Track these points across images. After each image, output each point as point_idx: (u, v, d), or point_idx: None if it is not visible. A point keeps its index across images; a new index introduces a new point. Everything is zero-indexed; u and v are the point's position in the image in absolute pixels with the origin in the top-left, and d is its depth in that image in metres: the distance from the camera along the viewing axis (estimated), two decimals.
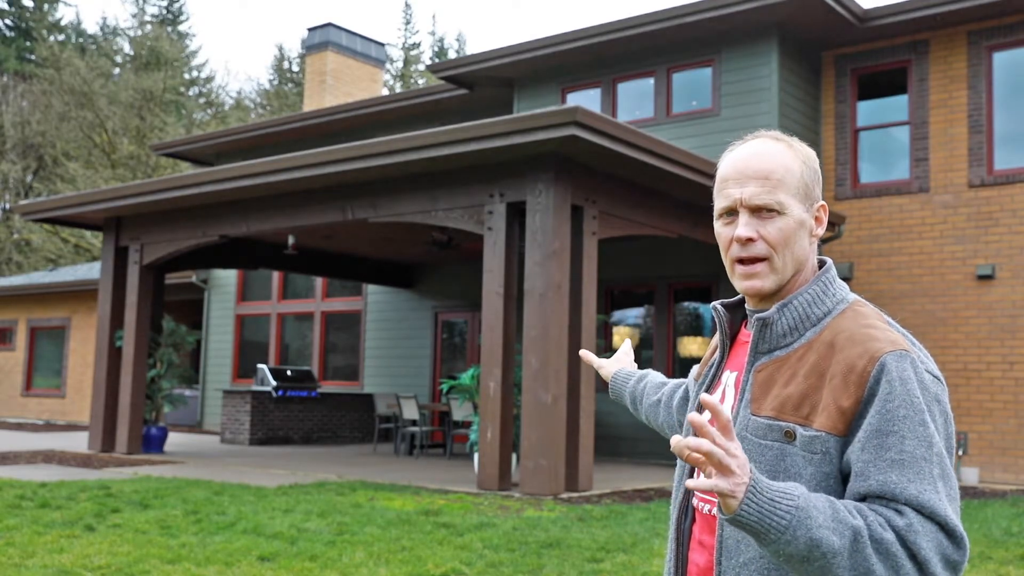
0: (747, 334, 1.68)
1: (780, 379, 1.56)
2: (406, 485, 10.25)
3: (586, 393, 10.05)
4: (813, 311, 1.59)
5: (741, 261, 1.61)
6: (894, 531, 1.38)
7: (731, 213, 1.63)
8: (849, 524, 1.37)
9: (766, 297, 1.63)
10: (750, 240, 1.59)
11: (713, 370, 1.74)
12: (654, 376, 2.27)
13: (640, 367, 2.40)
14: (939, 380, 1.51)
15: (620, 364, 2.37)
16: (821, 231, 1.65)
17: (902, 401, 1.44)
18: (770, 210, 1.59)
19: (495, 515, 8.22)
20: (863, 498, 1.44)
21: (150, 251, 13.84)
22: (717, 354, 1.75)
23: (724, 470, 1.33)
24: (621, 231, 10.97)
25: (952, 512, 1.42)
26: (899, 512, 1.40)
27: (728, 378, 1.69)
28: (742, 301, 1.73)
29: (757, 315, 1.61)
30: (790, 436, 1.51)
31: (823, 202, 1.66)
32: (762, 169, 1.60)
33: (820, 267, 1.67)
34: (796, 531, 1.34)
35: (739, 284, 1.63)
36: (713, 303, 1.74)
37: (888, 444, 1.43)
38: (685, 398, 2.04)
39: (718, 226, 1.66)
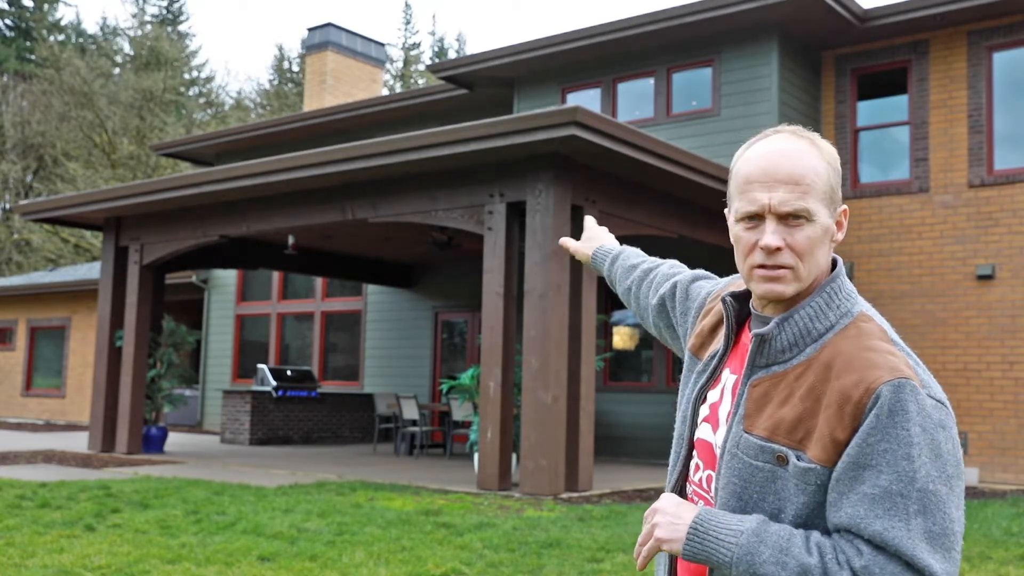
0: (748, 335, 1.62)
1: (776, 397, 1.51)
2: (406, 485, 10.25)
3: (586, 393, 10.04)
4: (815, 326, 1.52)
5: (763, 266, 1.52)
6: (851, 571, 1.37)
7: (754, 218, 1.53)
8: (800, 561, 1.38)
9: (780, 302, 1.56)
10: (778, 249, 1.50)
11: (715, 362, 1.67)
12: (626, 257, 2.18)
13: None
14: (943, 405, 1.45)
15: (597, 242, 2.28)
16: (841, 236, 1.58)
17: (884, 434, 1.39)
18: (798, 217, 1.50)
19: (495, 515, 8.22)
20: (835, 530, 1.42)
21: (150, 251, 13.84)
22: (721, 345, 1.67)
23: (650, 535, 1.53)
24: (621, 231, 10.95)
25: (926, 550, 1.36)
26: (860, 552, 1.37)
27: (728, 379, 1.64)
28: (748, 294, 1.65)
29: (755, 331, 1.54)
30: (782, 460, 1.47)
31: (845, 206, 1.58)
32: (792, 173, 1.51)
33: (832, 267, 1.59)
34: (739, 566, 1.42)
35: (758, 288, 1.54)
36: (723, 295, 1.67)
37: (863, 478, 1.39)
38: (662, 303, 1.97)
39: (738, 229, 1.56)
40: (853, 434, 1.42)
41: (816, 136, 1.58)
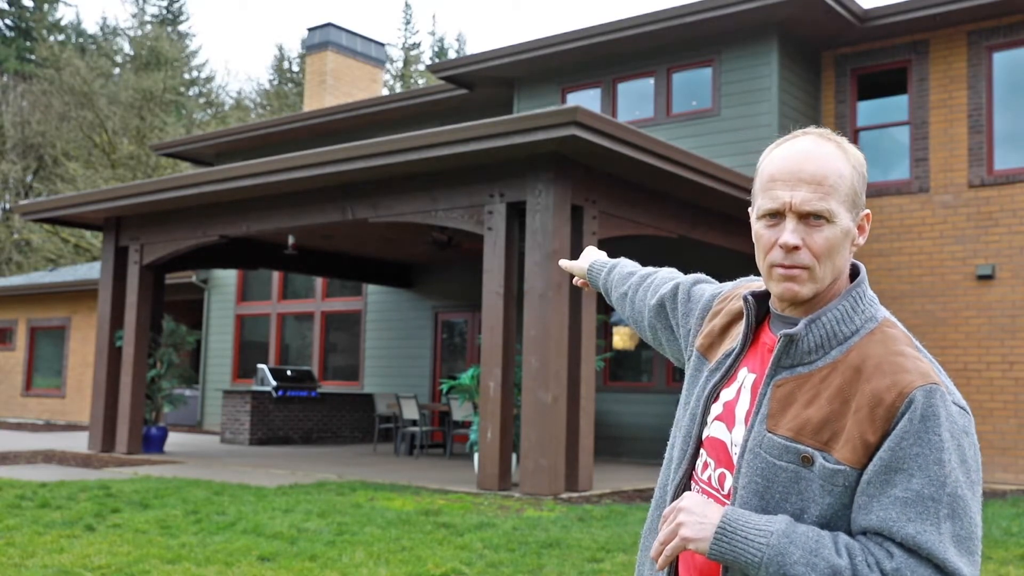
0: (769, 335, 1.63)
1: (801, 398, 1.51)
2: (406, 485, 10.25)
3: (586, 393, 10.05)
4: (841, 329, 1.53)
5: (781, 265, 1.54)
6: (881, 573, 1.37)
7: (775, 215, 1.55)
8: (830, 563, 1.38)
9: (798, 303, 1.57)
10: (796, 248, 1.52)
11: (730, 361, 1.67)
12: (623, 266, 2.22)
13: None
14: (965, 411, 1.47)
15: (592, 257, 2.34)
16: (862, 241, 1.58)
17: (917, 438, 1.40)
18: (819, 217, 1.52)
19: (495, 515, 8.22)
20: (863, 532, 1.42)
21: (150, 251, 13.84)
22: (737, 344, 1.67)
23: (675, 534, 1.49)
24: (621, 231, 10.97)
25: (955, 553, 1.38)
26: (890, 555, 1.38)
27: (746, 378, 1.63)
28: (767, 294, 1.66)
29: (784, 332, 1.54)
30: (807, 461, 1.48)
31: (868, 211, 1.60)
32: (816, 173, 1.52)
33: (853, 274, 1.60)
34: (769, 567, 1.40)
35: (776, 287, 1.56)
36: (744, 293, 1.67)
37: (894, 481, 1.40)
38: (662, 304, 1.96)
39: (759, 226, 1.58)
40: (883, 437, 1.43)
41: (844, 140, 1.60)
